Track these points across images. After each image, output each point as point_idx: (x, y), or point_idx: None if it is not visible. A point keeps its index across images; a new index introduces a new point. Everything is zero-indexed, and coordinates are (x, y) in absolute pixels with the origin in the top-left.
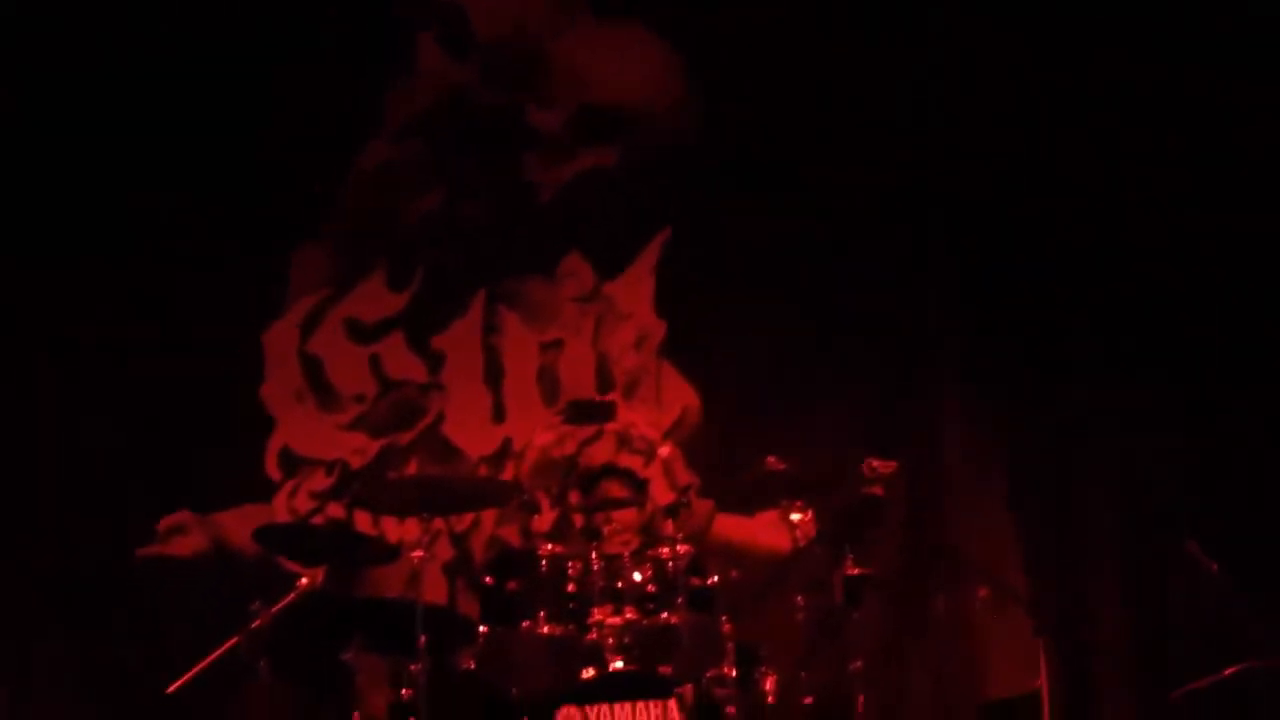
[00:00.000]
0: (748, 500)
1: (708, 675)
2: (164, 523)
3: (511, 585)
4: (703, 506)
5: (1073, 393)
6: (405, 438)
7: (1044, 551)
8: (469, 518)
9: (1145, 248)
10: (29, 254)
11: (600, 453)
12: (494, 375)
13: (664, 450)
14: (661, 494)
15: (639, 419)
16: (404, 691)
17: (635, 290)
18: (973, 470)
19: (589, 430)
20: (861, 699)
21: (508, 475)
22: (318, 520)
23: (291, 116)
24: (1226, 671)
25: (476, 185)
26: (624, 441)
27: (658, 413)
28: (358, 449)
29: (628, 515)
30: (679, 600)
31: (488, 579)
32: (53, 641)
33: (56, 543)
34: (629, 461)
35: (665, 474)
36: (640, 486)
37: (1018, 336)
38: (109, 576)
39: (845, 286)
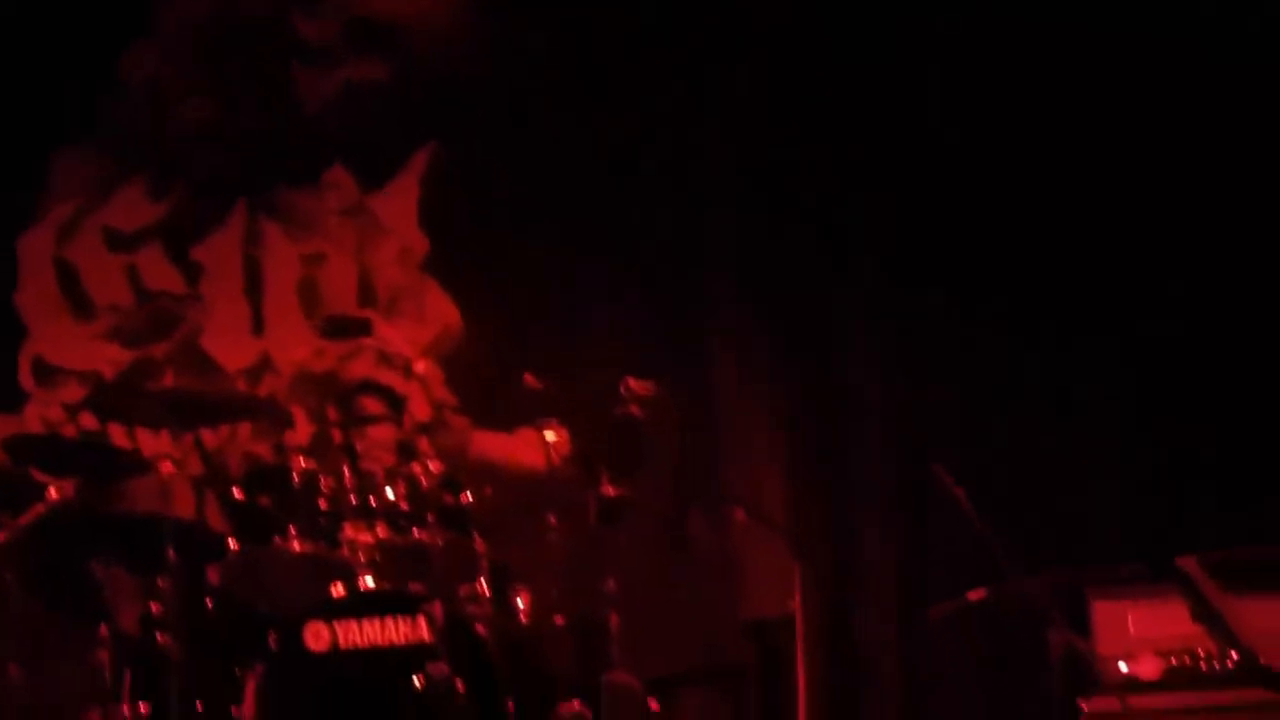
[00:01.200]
0: (506, 419)
1: (460, 593)
2: None
3: (263, 501)
4: (459, 424)
5: (844, 315)
6: (161, 349)
7: (807, 475)
8: (223, 432)
9: (920, 151)
10: None
11: (359, 368)
12: (254, 287)
13: (421, 367)
14: (419, 411)
15: (398, 335)
16: (153, 606)
17: (400, 204)
18: (738, 392)
19: (348, 346)
20: (615, 619)
21: (265, 389)
22: (69, 431)
23: (56, 17)
24: (972, 595)
25: (243, 94)
26: (383, 358)
27: (419, 329)
28: (112, 360)
29: (384, 432)
30: (432, 518)
31: (239, 494)
32: None
33: None
34: (387, 378)
35: (423, 391)
36: (397, 403)
37: (793, 256)
38: None
39: (614, 204)
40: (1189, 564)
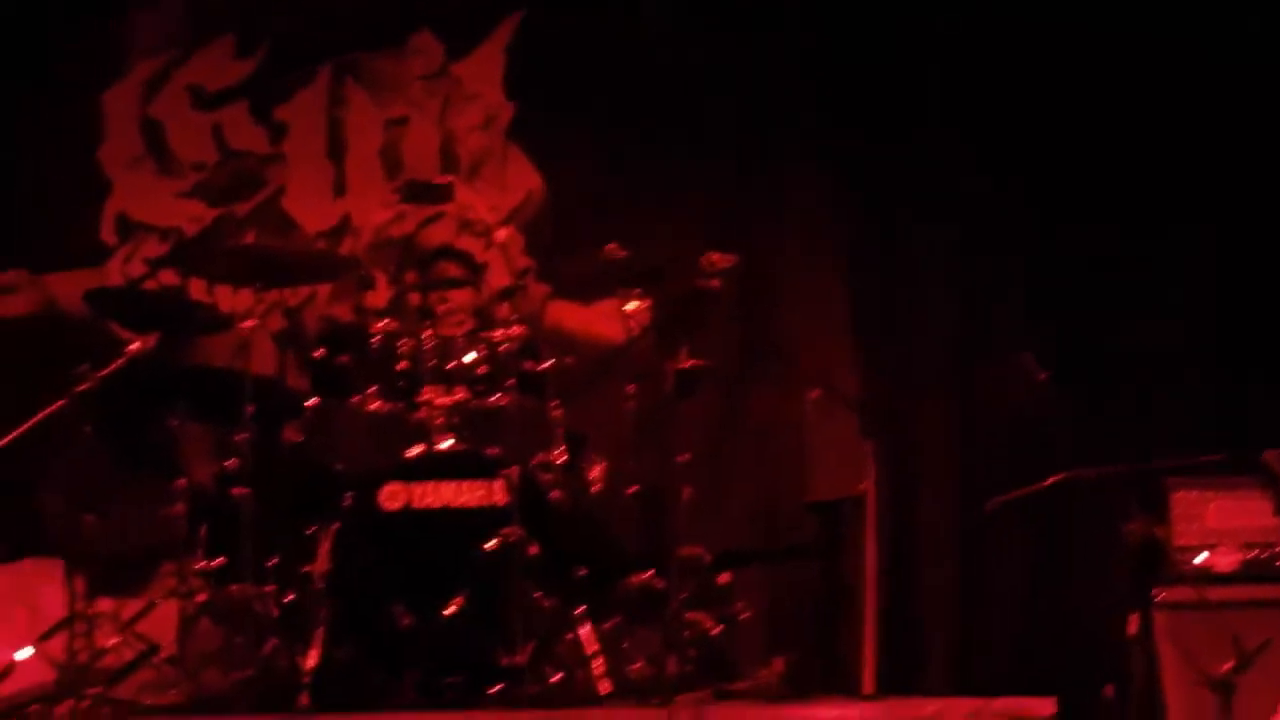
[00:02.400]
0: (585, 288)
1: (535, 459)
2: None
3: (342, 360)
4: (539, 291)
5: (919, 191)
6: (243, 208)
7: (878, 354)
8: (303, 291)
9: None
10: None
11: (439, 233)
12: (337, 150)
13: (502, 234)
14: (498, 277)
15: (480, 201)
16: (229, 461)
17: (485, 70)
18: (811, 269)
19: (429, 210)
20: (686, 491)
21: (345, 250)
22: (150, 286)
23: None
24: (1044, 482)
25: None
26: (464, 224)
27: (501, 195)
28: (194, 217)
29: (463, 296)
30: (510, 383)
31: (318, 352)
32: None
33: None
34: (467, 244)
35: (503, 257)
36: (476, 269)
37: (869, 140)
38: None
39: (695, 77)
40: (1274, 457)
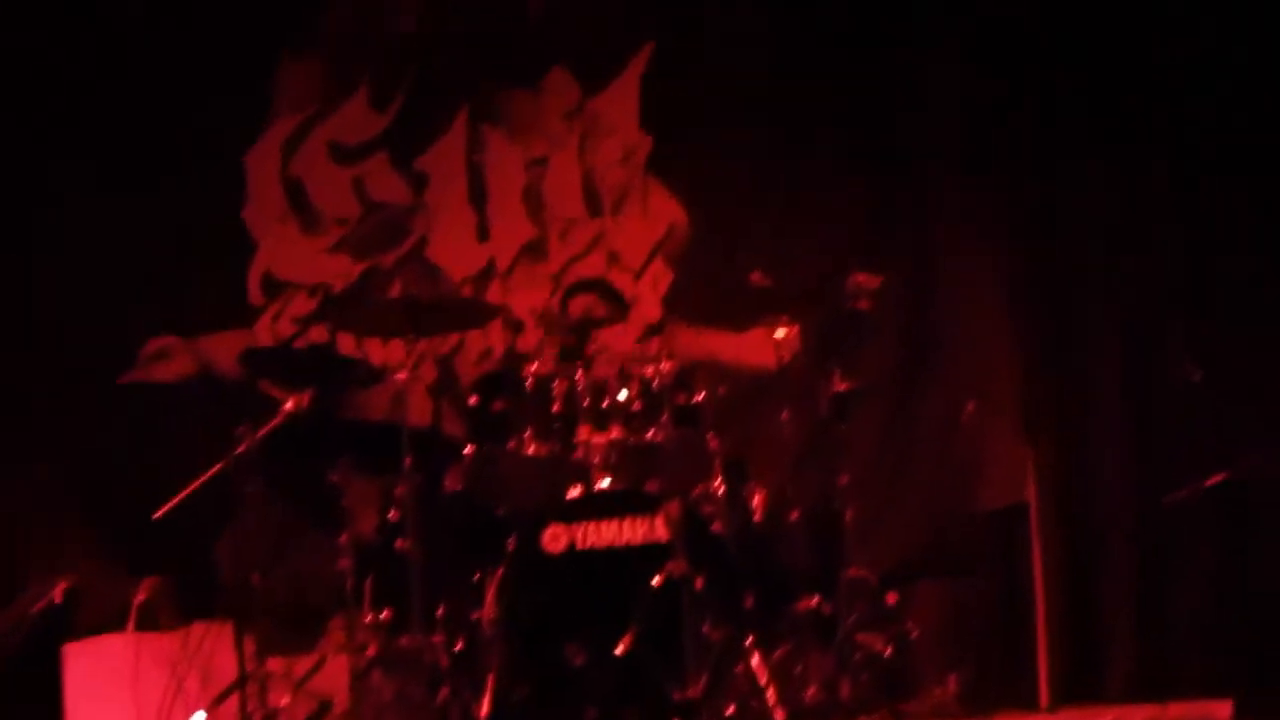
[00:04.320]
0: (734, 317)
1: (695, 491)
2: (147, 348)
3: (497, 405)
4: (689, 323)
5: (1072, 201)
6: (388, 260)
7: (1038, 359)
8: (453, 338)
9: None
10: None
11: (588, 270)
12: (478, 194)
13: (650, 267)
14: (648, 312)
15: (625, 236)
16: (392, 513)
17: (621, 104)
18: (967, 280)
19: (575, 248)
20: (850, 513)
21: (493, 295)
22: (300, 344)
23: None
24: (1212, 479)
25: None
26: (612, 259)
27: (645, 229)
28: (341, 272)
29: (614, 333)
30: (664, 417)
31: (473, 399)
32: (43, 467)
33: (49, 368)
34: (616, 278)
35: (652, 291)
36: (626, 304)
37: (1014, 145)
38: (97, 402)
39: (833, 99)
40: None
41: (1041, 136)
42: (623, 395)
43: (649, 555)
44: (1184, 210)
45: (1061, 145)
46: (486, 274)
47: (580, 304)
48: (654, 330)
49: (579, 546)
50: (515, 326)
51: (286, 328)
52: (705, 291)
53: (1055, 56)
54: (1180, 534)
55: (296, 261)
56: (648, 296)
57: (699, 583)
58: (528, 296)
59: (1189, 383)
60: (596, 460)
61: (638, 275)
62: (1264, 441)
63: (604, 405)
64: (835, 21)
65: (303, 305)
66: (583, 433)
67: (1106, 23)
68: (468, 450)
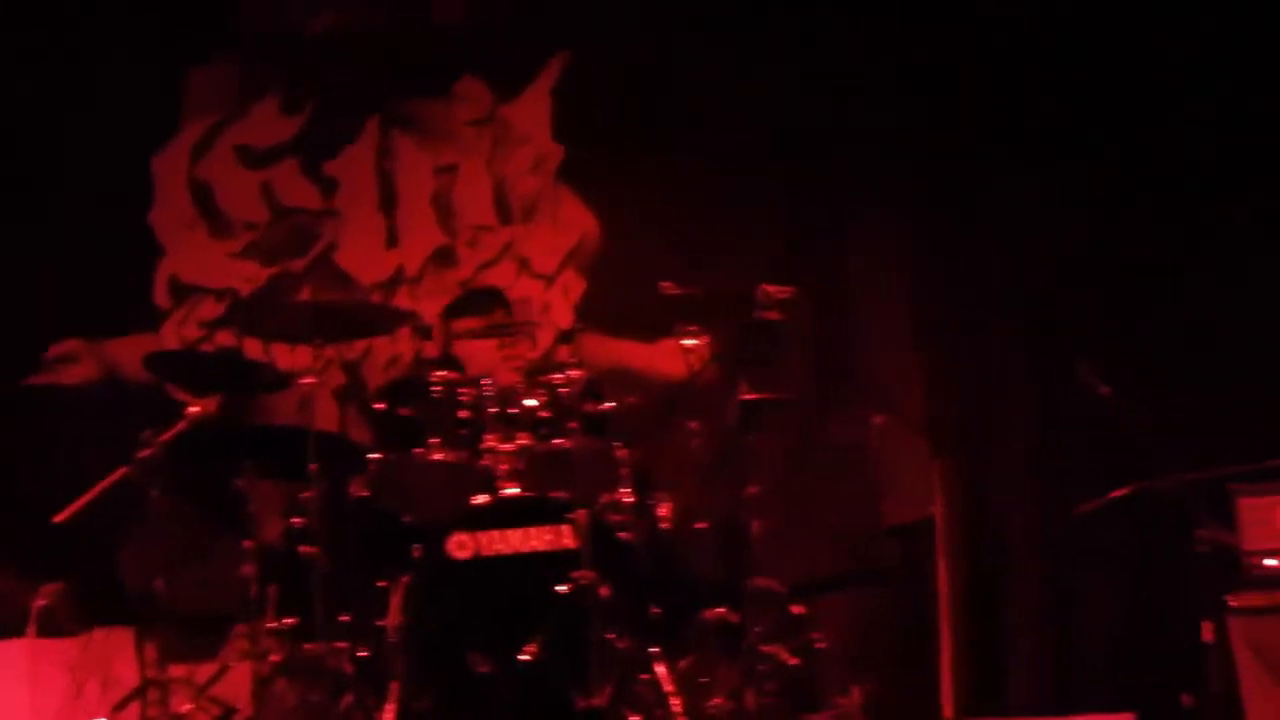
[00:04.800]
0: (645, 326)
1: (602, 500)
2: (52, 351)
3: (404, 412)
4: (599, 332)
5: (979, 219)
6: (297, 265)
7: (945, 373)
8: (361, 345)
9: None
10: None
11: (498, 278)
12: (388, 201)
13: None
14: (558, 319)
15: (536, 244)
16: (297, 519)
17: (533, 113)
18: (875, 295)
19: (485, 254)
20: (757, 524)
21: (402, 302)
22: (207, 348)
23: None
24: (1116, 492)
25: (370, 6)
26: (523, 266)
27: (556, 237)
28: (248, 277)
29: (524, 341)
30: (573, 426)
31: (380, 405)
32: None
33: None
34: (526, 287)
35: (563, 299)
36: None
37: (926, 162)
38: (1, 405)
39: (745, 110)
40: None
41: (952, 157)
42: (531, 403)
43: (555, 563)
44: (1091, 226)
45: (970, 165)
46: (395, 280)
47: (492, 311)
48: (564, 338)
49: (485, 554)
50: (423, 333)
51: (193, 332)
52: (616, 301)
53: (962, 77)
54: (1086, 547)
55: (204, 266)
56: (559, 305)
57: (605, 591)
58: (437, 303)
59: (1096, 397)
60: (503, 468)
61: (549, 283)
62: (1170, 454)
63: (512, 412)
64: (750, 35)
65: (210, 309)
66: (490, 440)
67: (1011, 43)
68: (374, 456)
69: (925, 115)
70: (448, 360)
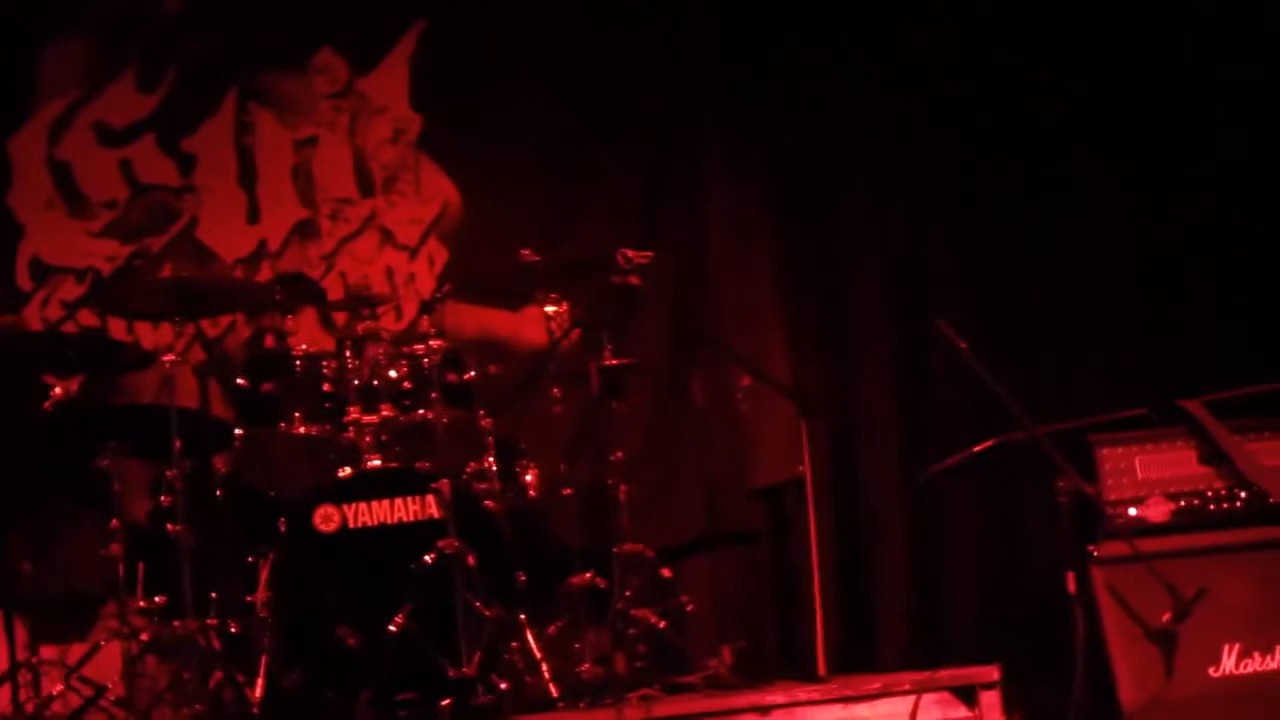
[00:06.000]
0: (506, 295)
1: (468, 470)
2: None
3: (267, 387)
4: (460, 301)
5: (836, 174)
6: (158, 242)
7: (808, 335)
8: (223, 321)
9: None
10: None
11: (362, 249)
12: (248, 176)
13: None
14: (420, 289)
15: (398, 215)
16: (162, 497)
17: (390, 84)
18: (738, 257)
19: (348, 227)
20: (624, 489)
21: (263, 277)
22: (69, 329)
23: None
24: (977, 447)
25: None
26: (386, 237)
27: (418, 208)
28: (110, 256)
29: (385, 312)
30: (435, 396)
31: (242, 381)
32: None
33: None
34: (391, 258)
35: (427, 269)
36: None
37: (781, 119)
38: None
39: (603, 74)
40: (1194, 406)
41: (811, 116)
42: (393, 374)
43: (421, 533)
44: (947, 183)
45: (828, 124)
46: (257, 255)
47: (354, 283)
48: (425, 308)
49: (351, 526)
50: (284, 307)
51: (55, 312)
52: (478, 270)
53: (815, 38)
54: (950, 503)
55: (65, 246)
56: (423, 275)
57: (472, 560)
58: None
59: (955, 351)
60: (367, 440)
61: (413, 254)
62: (1030, 408)
63: (374, 385)
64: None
65: (72, 290)
66: (353, 412)
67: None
68: (238, 432)
69: (780, 71)
70: (348, 331)
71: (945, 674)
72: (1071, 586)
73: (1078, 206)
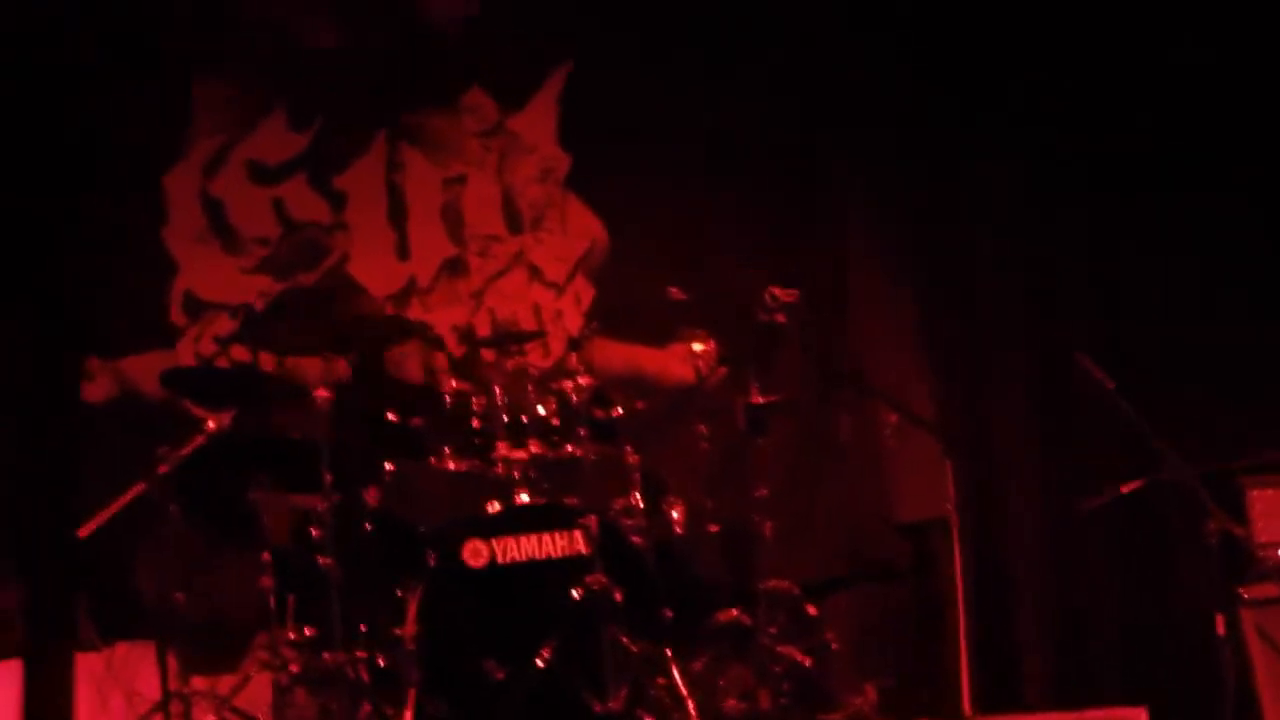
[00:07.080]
0: (653, 332)
1: (614, 506)
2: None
3: (416, 422)
4: (608, 338)
5: (980, 216)
6: (308, 279)
7: (951, 375)
8: (375, 355)
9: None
10: None
11: (508, 286)
12: (398, 213)
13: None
14: (568, 326)
15: (546, 252)
16: (313, 530)
17: (539, 123)
18: (879, 295)
19: (496, 264)
20: (769, 526)
21: (413, 313)
22: (222, 364)
23: None
24: (1125, 487)
25: (375, 19)
26: (534, 274)
27: (565, 245)
28: (261, 291)
29: (534, 349)
30: (583, 432)
31: (393, 416)
32: None
33: None
34: (538, 295)
35: (574, 306)
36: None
37: (925, 160)
38: (17, 425)
39: (746, 115)
40: None
41: (953, 153)
42: (541, 410)
43: (569, 569)
44: (1092, 220)
45: (970, 162)
46: (407, 291)
47: (503, 320)
48: (573, 345)
49: (499, 561)
50: (435, 343)
51: (208, 347)
52: (626, 306)
53: (959, 71)
54: (1096, 542)
55: (218, 282)
56: (570, 312)
57: (619, 595)
58: (448, 314)
59: (1102, 391)
60: (515, 475)
61: (560, 291)
62: (1178, 447)
63: (523, 420)
64: (751, 40)
65: (224, 325)
66: (502, 448)
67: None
68: (388, 466)
69: (920, 112)
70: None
71: (1093, 714)
72: (1220, 629)
73: (1224, 241)
